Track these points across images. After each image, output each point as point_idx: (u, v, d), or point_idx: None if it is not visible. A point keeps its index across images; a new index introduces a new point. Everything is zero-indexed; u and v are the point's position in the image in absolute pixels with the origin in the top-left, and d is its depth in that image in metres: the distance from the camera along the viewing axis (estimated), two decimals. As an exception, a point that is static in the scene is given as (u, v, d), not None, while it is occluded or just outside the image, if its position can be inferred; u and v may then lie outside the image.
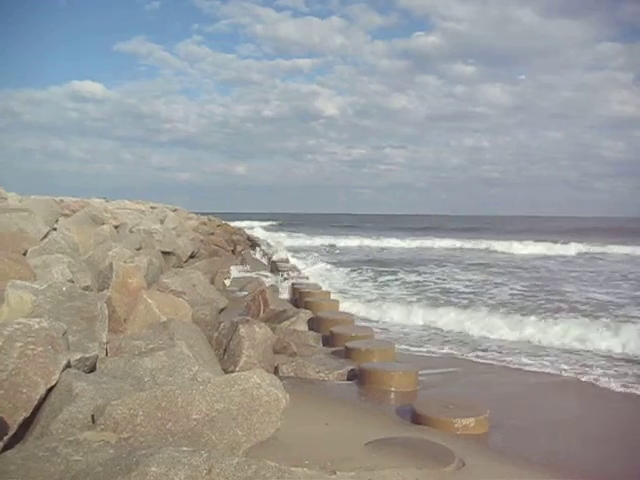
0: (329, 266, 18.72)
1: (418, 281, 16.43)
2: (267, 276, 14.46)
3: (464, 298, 13.16)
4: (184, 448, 2.39)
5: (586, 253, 29.81)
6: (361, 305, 11.42)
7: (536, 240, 34.02)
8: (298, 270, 15.23)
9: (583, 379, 6.56)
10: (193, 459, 2.25)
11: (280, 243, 26.03)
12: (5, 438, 3.05)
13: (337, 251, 30.06)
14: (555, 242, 32.77)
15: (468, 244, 34.74)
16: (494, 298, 13.27)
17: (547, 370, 7.04)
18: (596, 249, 31.16)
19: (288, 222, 75.61)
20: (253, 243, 26.22)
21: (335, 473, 3.60)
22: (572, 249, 30.78)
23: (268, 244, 25.45)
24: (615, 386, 6.26)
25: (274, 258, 18.47)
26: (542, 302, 12.62)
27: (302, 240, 37.70)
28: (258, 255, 21.53)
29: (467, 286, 15.36)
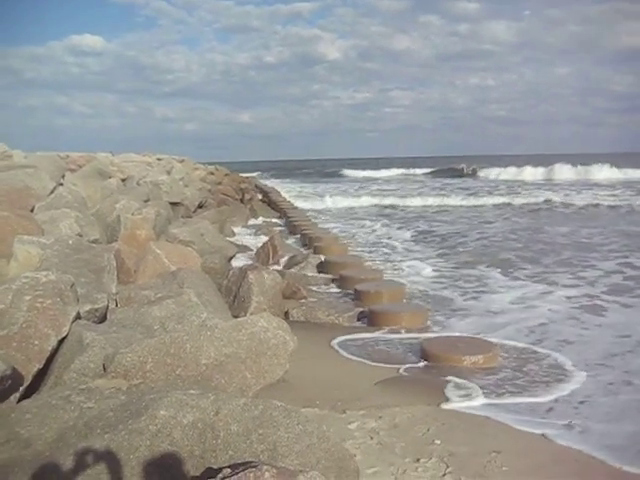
0: None
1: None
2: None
3: None
4: (192, 391, 2.43)
5: None
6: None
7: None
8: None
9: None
10: (200, 401, 2.29)
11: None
12: (21, 389, 3.12)
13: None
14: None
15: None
16: None
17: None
18: None
19: (296, 172, 70.50)
20: (275, 206, 18.99)
21: (345, 412, 3.68)
22: None
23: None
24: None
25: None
26: None
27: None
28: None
29: None
